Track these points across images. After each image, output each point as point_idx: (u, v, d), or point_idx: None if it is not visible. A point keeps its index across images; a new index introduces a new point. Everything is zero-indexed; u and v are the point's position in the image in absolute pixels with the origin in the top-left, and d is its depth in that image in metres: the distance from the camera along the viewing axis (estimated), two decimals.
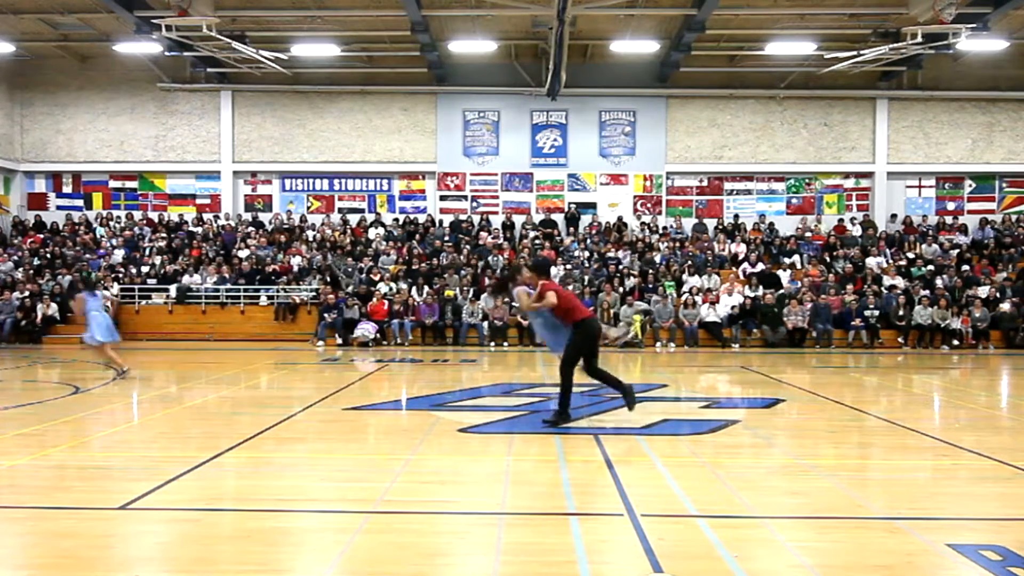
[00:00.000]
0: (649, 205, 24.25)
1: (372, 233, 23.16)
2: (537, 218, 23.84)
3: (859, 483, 5.98)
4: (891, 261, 21.52)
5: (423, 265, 21.02)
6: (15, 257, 21.81)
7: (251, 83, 23.99)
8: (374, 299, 19.27)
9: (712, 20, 19.59)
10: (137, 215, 24.37)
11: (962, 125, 24.01)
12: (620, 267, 20.92)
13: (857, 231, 23.25)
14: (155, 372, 13.84)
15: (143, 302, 20.42)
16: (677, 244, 22.42)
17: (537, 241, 22.45)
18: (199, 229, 23.50)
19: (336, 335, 18.67)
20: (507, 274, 8.65)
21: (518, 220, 23.91)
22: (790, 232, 23.23)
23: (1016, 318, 18.73)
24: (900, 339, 18.66)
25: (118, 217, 24.19)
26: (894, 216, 23.89)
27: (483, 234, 23.00)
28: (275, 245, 22.34)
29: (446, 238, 22.81)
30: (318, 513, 5.10)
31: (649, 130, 24.15)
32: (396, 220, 23.99)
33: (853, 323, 18.53)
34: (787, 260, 21.67)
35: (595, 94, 23.94)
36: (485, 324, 18.77)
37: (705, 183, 24.47)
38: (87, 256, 22.04)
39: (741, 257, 21.61)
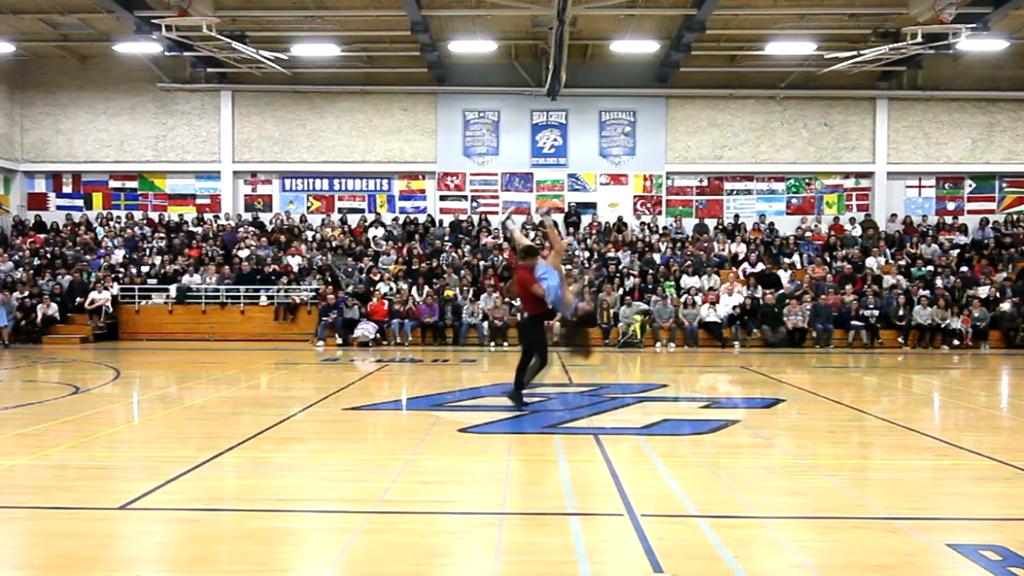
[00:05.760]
0: (649, 205, 24.26)
1: (372, 233, 23.16)
2: (537, 218, 23.83)
3: (859, 483, 5.97)
4: (891, 261, 21.53)
5: (423, 265, 21.02)
6: (15, 257, 21.81)
7: (251, 83, 24.00)
8: (374, 299, 19.27)
9: (712, 20, 19.60)
10: (137, 215, 24.38)
11: (962, 125, 24.01)
12: (620, 267, 20.92)
13: (856, 231, 23.26)
14: (155, 372, 13.85)
15: (143, 302, 20.41)
16: (677, 244, 22.42)
17: (537, 241, 22.44)
18: (199, 229, 23.50)
19: (336, 335, 18.67)
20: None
21: (518, 220, 23.90)
22: (790, 232, 23.23)
23: (1016, 318, 18.73)
24: (900, 339, 18.66)
25: (118, 217, 24.20)
26: (894, 216, 23.89)
27: (483, 234, 23.01)
28: (275, 245, 22.34)
29: (446, 238, 22.82)
30: (318, 513, 5.10)
31: (649, 130, 24.15)
32: (396, 220, 23.99)
33: (853, 323, 18.54)
34: (787, 260, 21.68)
35: (595, 94, 23.95)
36: (485, 324, 18.78)
37: (705, 183, 24.47)
38: (87, 256, 22.04)
39: (741, 257, 21.61)
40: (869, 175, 24.23)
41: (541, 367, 8.87)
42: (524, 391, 9.03)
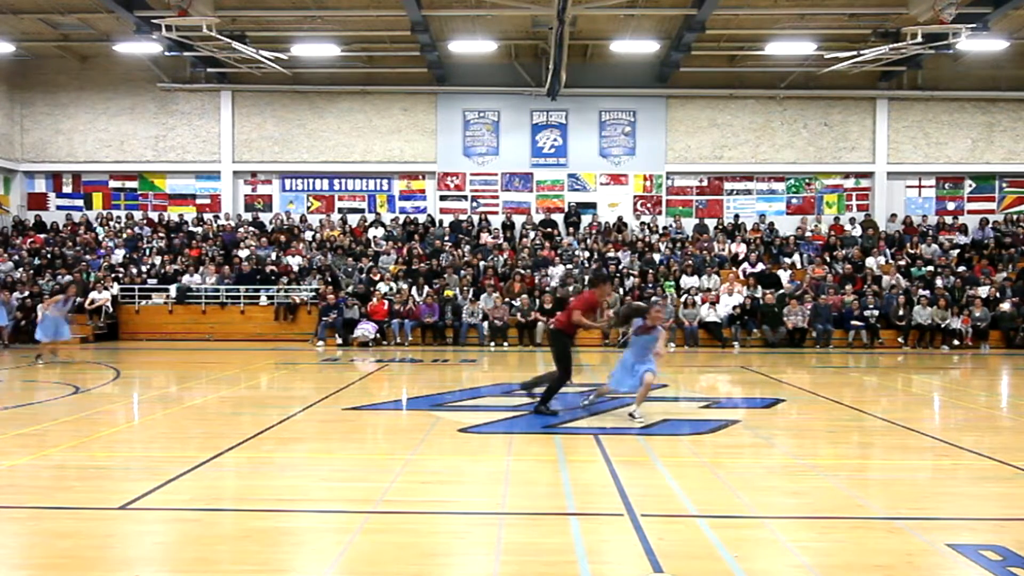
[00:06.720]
0: (649, 205, 24.25)
1: (372, 233, 23.16)
2: (537, 218, 23.84)
3: (859, 483, 5.98)
4: (891, 261, 21.52)
5: (423, 265, 21.02)
6: (15, 257, 21.81)
7: (251, 83, 23.99)
8: (374, 299, 19.26)
9: (712, 20, 19.60)
10: (137, 215, 24.38)
11: (962, 125, 24.01)
12: (620, 267, 20.91)
13: (856, 231, 23.26)
14: (155, 372, 13.84)
15: (143, 302, 20.41)
16: (677, 244, 22.42)
17: (537, 241, 22.45)
18: (199, 229, 23.50)
19: (336, 335, 18.66)
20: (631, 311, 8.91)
21: (518, 220, 23.92)
22: (790, 232, 23.22)
23: (1016, 318, 18.73)
24: (900, 339, 18.65)
25: (118, 217, 24.19)
26: (894, 216, 23.89)
27: (483, 234, 23.02)
28: (275, 245, 22.34)
29: (446, 238, 22.81)
30: (318, 513, 5.11)
31: (649, 130, 24.15)
32: (396, 220, 23.99)
33: (853, 323, 18.53)
34: (787, 260, 21.67)
35: (595, 94, 23.94)
36: (485, 324, 18.77)
37: (705, 183, 24.47)
38: (87, 256, 22.03)
39: (741, 257, 21.61)
40: (869, 175, 24.23)
41: (565, 380, 8.81)
42: (528, 395, 9.11)
